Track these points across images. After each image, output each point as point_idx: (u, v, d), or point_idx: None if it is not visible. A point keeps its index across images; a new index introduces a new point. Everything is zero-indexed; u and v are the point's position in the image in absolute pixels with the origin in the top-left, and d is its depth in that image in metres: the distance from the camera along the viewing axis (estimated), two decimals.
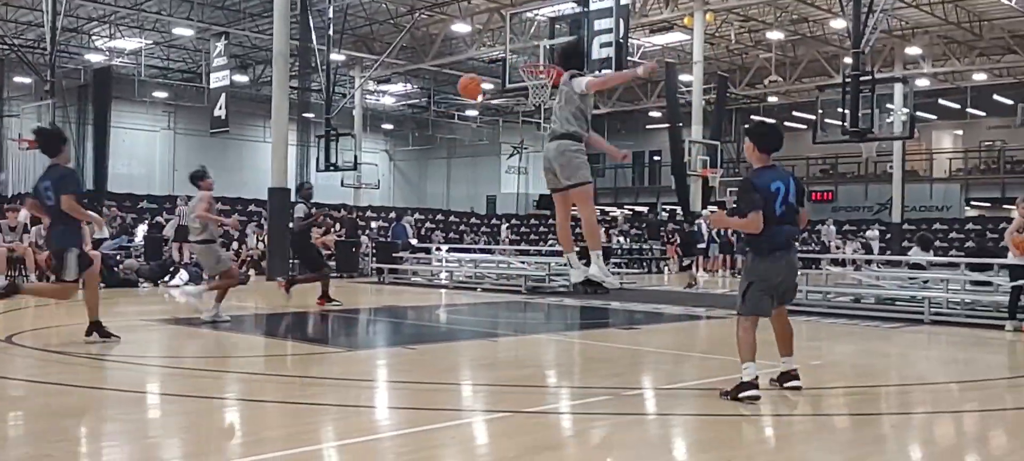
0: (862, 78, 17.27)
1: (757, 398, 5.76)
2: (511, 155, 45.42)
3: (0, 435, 4.96)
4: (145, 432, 5.00)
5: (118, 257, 16.69)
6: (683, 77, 29.42)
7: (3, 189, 29.52)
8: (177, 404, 5.78)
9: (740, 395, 5.77)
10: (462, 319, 12.24)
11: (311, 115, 31.84)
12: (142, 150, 36.93)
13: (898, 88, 21.39)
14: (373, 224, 29.66)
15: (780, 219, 5.96)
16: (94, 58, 31.56)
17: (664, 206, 40.02)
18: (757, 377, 5.85)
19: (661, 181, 41.41)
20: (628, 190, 43.79)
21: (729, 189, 30.50)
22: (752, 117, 41.32)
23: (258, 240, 20.76)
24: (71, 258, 8.10)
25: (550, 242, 32.66)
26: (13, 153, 29.58)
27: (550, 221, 40.13)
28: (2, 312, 11.08)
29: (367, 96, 38.29)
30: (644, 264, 27.28)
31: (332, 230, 23.14)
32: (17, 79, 31.51)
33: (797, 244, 6.29)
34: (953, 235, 32.62)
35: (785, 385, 6.21)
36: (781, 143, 6.28)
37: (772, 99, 38.26)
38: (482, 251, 23.92)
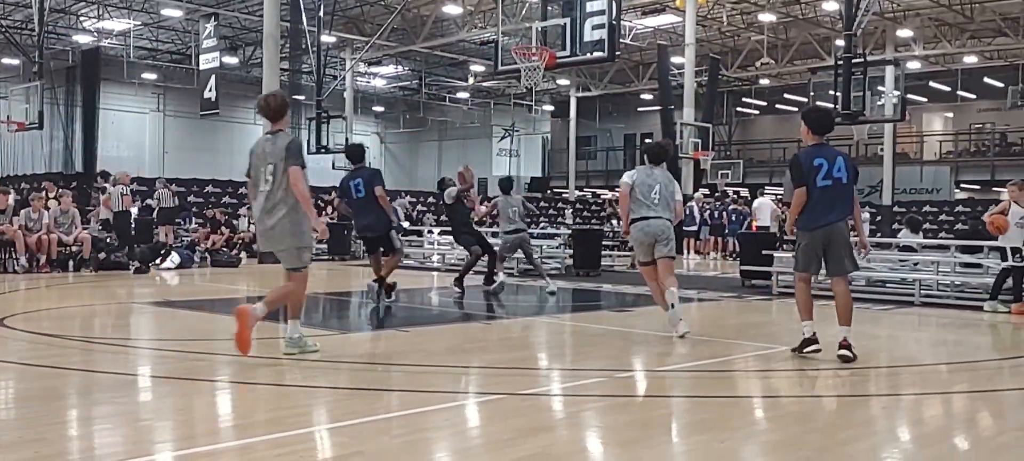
0: (854, 61, 17.26)
1: (817, 351, 6.85)
2: (502, 137, 45.34)
3: (18, 416, 4.96)
4: (137, 415, 5.00)
5: (108, 239, 16.61)
6: (675, 59, 29.38)
7: None
8: (169, 386, 5.77)
9: (804, 351, 6.92)
10: (454, 302, 12.24)
11: (302, 97, 31.69)
12: (131, 132, 36.71)
13: (889, 71, 21.39)
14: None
15: (823, 191, 6.88)
16: (82, 39, 31.33)
17: None
18: (815, 333, 6.92)
19: None
20: (620, 173, 43.71)
21: (720, 172, 30.55)
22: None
23: (249, 223, 20.68)
24: (395, 235, 10.69)
25: (542, 225, 32.67)
26: (2, 135, 29.43)
27: (541, 203, 40.17)
28: None
29: (358, 78, 38.15)
30: None
31: (325, 213, 23.11)
32: (5, 61, 31.29)
33: (846, 218, 7.17)
34: (943, 217, 32.75)
35: (838, 353, 6.84)
36: (831, 125, 7.33)
37: (764, 81, 38.26)
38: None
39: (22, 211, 15.03)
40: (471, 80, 40.38)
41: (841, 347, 6.79)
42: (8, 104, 28.20)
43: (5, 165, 30.62)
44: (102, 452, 4.18)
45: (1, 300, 10.60)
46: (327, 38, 27.99)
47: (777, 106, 41.57)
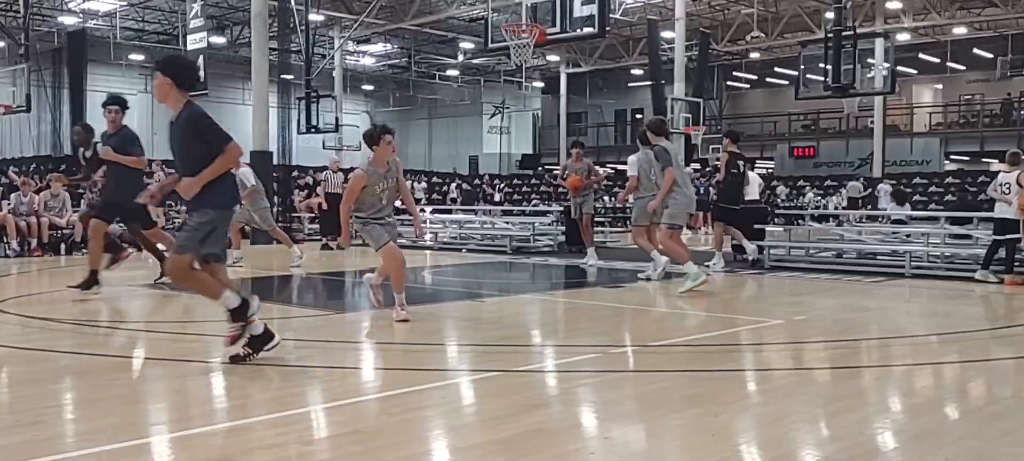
0: (843, 33, 17.26)
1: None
2: (493, 115, 45.23)
3: (11, 399, 4.96)
4: (132, 397, 5.00)
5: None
6: (665, 34, 29.30)
7: None
8: (164, 368, 5.78)
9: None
10: (448, 280, 12.26)
11: (291, 76, 31.50)
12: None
13: (879, 43, 21.42)
14: None
15: None
16: (68, 21, 31.03)
17: None
18: None
19: None
20: (611, 149, 43.75)
21: (711, 147, 30.55)
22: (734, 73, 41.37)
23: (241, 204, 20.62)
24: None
25: (534, 202, 32.65)
26: None
27: (533, 181, 40.13)
28: None
29: (347, 57, 37.94)
30: (626, 223, 27.17)
31: (315, 193, 23.03)
32: None
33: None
34: (933, 189, 32.89)
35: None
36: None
37: (754, 55, 38.22)
38: (465, 212, 23.86)
39: (12, 195, 14.96)
40: (461, 57, 40.22)
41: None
42: None
43: None
44: (99, 434, 4.19)
45: None
46: (315, 16, 27.80)
47: (767, 80, 41.56)
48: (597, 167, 14.69)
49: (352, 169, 12.65)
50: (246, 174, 12.96)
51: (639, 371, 5.90)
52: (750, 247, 12.97)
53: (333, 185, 16.83)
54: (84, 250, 14.98)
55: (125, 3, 30.52)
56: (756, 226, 13.74)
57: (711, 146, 30.51)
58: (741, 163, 13.11)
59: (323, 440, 4.09)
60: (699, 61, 28.70)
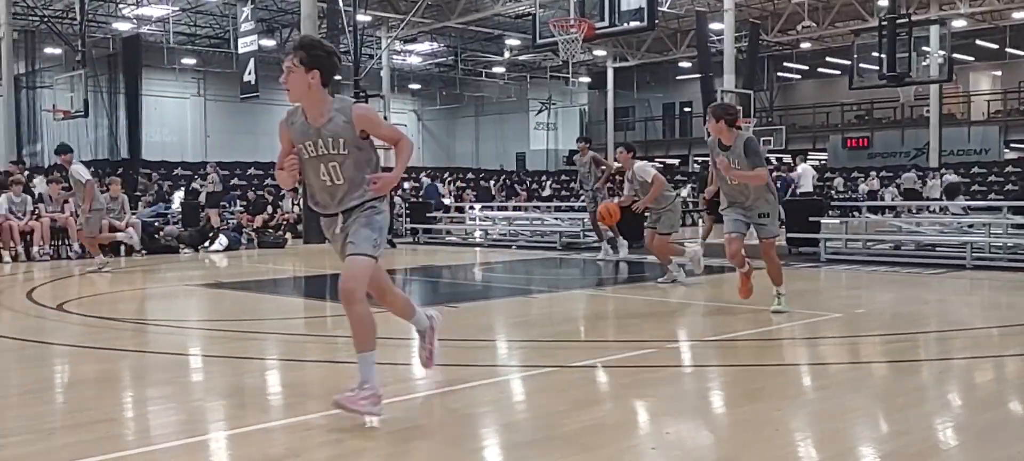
0: (898, 21, 16.93)
1: None
2: (539, 111, 45.18)
3: (65, 400, 5.09)
4: (194, 394, 5.10)
5: (156, 224, 16.91)
6: (714, 25, 28.98)
7: (39, 159, 29.98)
8: (222, 365, 5.89)
9: None
10: (498, 276, 12.29)
11: (339, 78, 31.78)
12: (173, 118, 37.18)
13: (934, 30, 20.92)
14: (405, 185, 29.72)
15: None
16: (122, 27, 31.72)
17: (696, 158, 39.67)
18: None
19: (693, 132, 41.04)
20: (659, 143, 43.47)
21: (762, 139, 30.16)
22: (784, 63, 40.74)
23: (293, 203, 20.90)
24: None
25: (582, 197, 32.57)
26: (47, 123, 29.99)
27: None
28: (50, 281, 11.32)
29: (394, 56, 38.20)
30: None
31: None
32: (48, 50, 31.81)
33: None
34: (992, 179, 32.07)
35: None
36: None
37: (805, 45, 37.59)
38: (515, 208, 23.89)
39: (71, 199, 15.34)
40: (507, 54, 40.25)
41: None
42: (53, 93, 28.73)
43: (51, 153, 31.22)
44: (165, 430, 4.28)
45: (57, 286, 10.86)
46: (363, 17, 28.03)
47: (819, 70, 40.88)
48: (601, 158, 14.20)
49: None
50: (79, 170, 12.53)
51: (696, 366, 5.85)
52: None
53: None
54: (141, 252, 15.34)
55: (177, 8, 31.10)
56: (811, 219, 13.54)
57: (762, 139, 30.13)
58: None
59: (382, 435, 4.11)
60: (749, 52, 28.31)
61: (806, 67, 41.62)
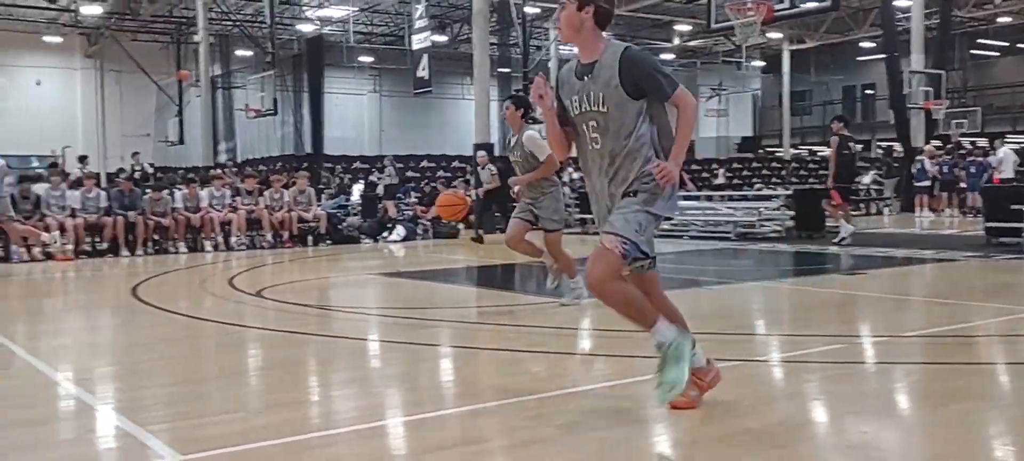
0: None
1: None
2: (709, 97, 44.07)
3: (260, 382, 5.39)
4: (371, 381, 5.27)
5: (339, 215, 17.75)
6: (899, 2, 27.24)
7: (233, 155, 32.16)
8: (400, 352, 6.05)
9: None
10: (669, 267, 12.03)
11: (508, 70, 32.24)
12: (352, 114, 38.86)
13: None
14: (574, 174, 29.74)
15: None
16: (305, 28, 33.43)
17: (879, 143, 37.55)
18: None
19: (875, 115, 38.84)
20: None
21: (954, 122, 28.14)
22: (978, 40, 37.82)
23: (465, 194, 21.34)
24: None
25: (756, 185, 31.55)
26: (241, 122, 32.11)
27: (754, 164, 38.74)
28: (247, 270, 12.09)
29: (561, 47, 38.30)
30: (860, 205, 25.43)
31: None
32: (239, 52, 34.00)
33: None
34: None
35: None
36: None
37: (1004, 19, 34.67)
38: (686, 197, 23.40)
39: (265, 191, 16.36)
40: (676, 41, 39.49)
41: None
42: (245, 93, 30.70)
43: (245, 149, 33.38)
44: (347, 415, 4.42)
45: (255, 274, 11.58)
46: (531, 9, 28.26)
47: (1019, 46, 37.64)
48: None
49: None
50: None
51: (889, 362, 5.47)
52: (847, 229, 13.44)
53: (485, 179, 17.12)
54: (328, 241, 16.16)
55: (356, 8, 32.43)
56: (1014, 207, 12.48)
57: (954, 121, 28.14)
58: (851, 145, 13.89)
59: (556, 426, 4.04)
60: (940, 29, 26.38)
61: (1005, 43, 38.38)
